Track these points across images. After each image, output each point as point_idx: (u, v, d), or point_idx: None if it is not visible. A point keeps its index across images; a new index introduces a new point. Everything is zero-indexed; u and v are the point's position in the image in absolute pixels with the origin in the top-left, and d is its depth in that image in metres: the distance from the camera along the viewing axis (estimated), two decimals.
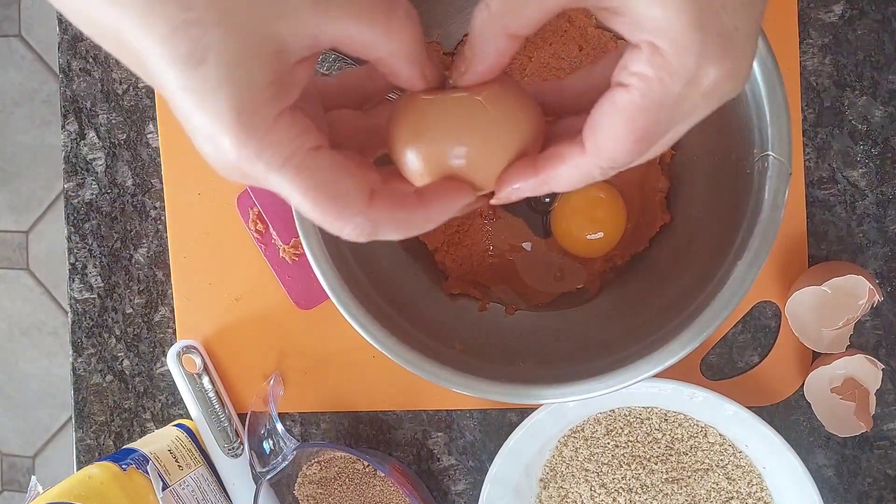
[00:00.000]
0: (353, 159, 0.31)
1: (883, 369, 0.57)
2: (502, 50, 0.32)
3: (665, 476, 0.58)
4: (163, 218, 0.63)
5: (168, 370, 0.62)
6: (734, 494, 0.58)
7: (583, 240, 0.56)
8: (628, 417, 0.59)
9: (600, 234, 0.55)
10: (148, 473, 0.55)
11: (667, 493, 0.58)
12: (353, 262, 0.51)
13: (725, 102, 0.34)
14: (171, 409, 0.64)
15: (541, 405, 0.57)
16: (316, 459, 0.60)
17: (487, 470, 0.58)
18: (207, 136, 0.28)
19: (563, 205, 0.56)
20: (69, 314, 0.64)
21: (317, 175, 0.29)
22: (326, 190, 0.29)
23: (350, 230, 0.31)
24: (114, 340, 0.64)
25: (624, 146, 0.30)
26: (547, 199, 0.57)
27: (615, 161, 0.31)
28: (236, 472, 0.62)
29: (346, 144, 0.34)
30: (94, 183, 0.63)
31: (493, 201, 0.39)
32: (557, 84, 0.37)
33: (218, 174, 0.31)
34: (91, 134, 0.63)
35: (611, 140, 0.30)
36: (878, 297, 0.55)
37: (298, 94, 0.30)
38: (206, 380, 0.61)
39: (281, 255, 0.61)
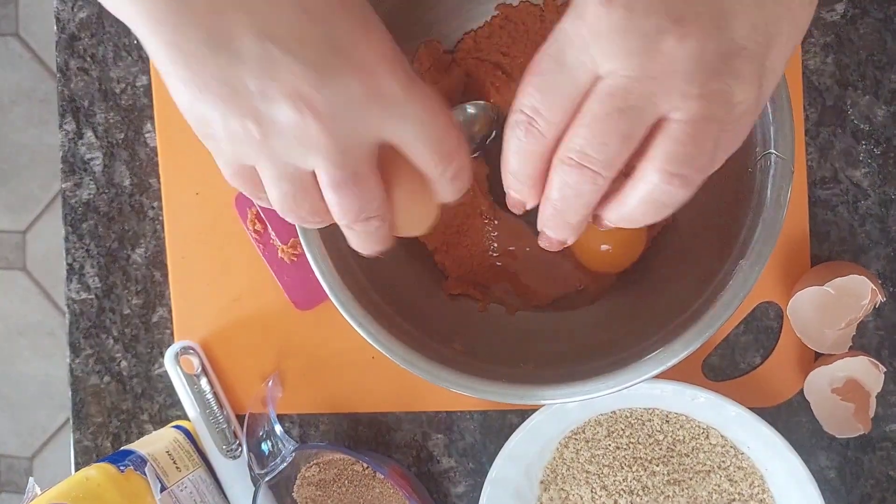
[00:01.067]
0: None
1: (885, 372, 0.57)
2: None
3: (666, 478, 0.58)
4: (160, 218, 0.62)
5: (166, 371, 0.62)
6: (736, 496, 0.58)
7: (597, 252, 0.55)
8: (629, 419, 0.59)
9: (610, 248, 0.55)
10: (146, 475, 0.55)
11: (668, 495, 0.58)
12: (353, 262, 0.51)
13: None
14: (168, 411, 0.63)
15: (541, 406, 0.56)
16: (315, 461, 0.60)
17: (487, 472, 0.58)
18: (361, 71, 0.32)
19: None
20: (66, 315, 0.64)
21: (438, 102, 0.34)
22: (447, 114, 0.34)
23: (461, 159, 0.36)
24: (111, 341, 0.64)
25: None
26: None
27: None
28: (235, 473, 0.61)
29: None
30: (91, 183, 0.63)
31: None
32: None
33: (222, 176, 0.34)
34: (89, 133, 0.63)
35: None
36: (880, 298, 0.54)
37: None
38: (204, 381, 0.61)
39: (279, 255, 0.60)
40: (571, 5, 0.33)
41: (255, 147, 0.32)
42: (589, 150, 0.33)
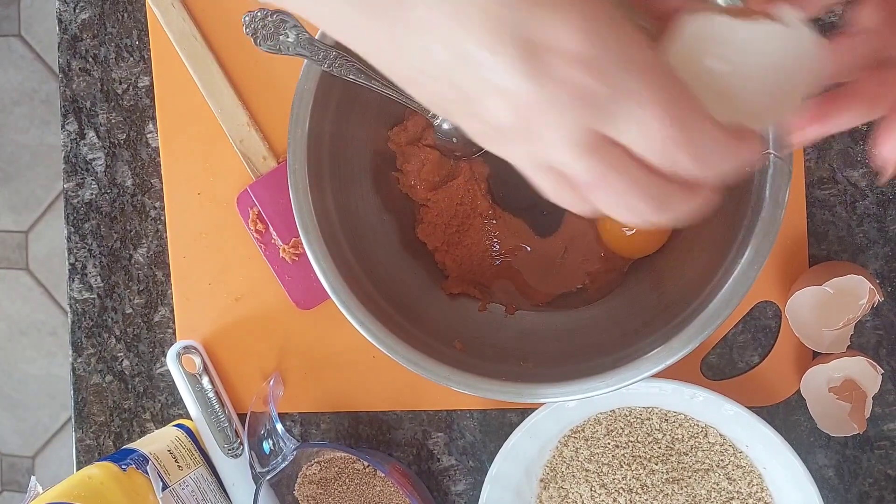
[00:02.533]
0: None
1: (882, 373, 0.57)
2: None
3: (665, 476, 0.58)
4: (162, 218, 0.63)
5: (168, 370, 0.62)
6: (734, 495, 0.58)
7: (621, 236, 0.55)
8: (629, 417, 0.59)
9: (634, 231, 0.55)
10: (147, 474, 0.55)
11: (667, 494, 0.58)
12: (354, 262, 0.51)
13: None
14: (170, 410, 0.64)
15: (541, 405, 0.57)
16: (316, 460, 0.60)
17: (487, 470, 0.58)
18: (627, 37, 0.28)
19: None
20: (69, 314, 0.64)
21: (678, 84, 0.29)
22: (688, 99, 0.29)
23: (694, 149, 0.29)
24: (113, 340, 0.64)
25: None
26: None
27: None
28: (236, 472, 0.62)
29: None
30: (93, 183, 0.63)
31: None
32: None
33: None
34: (91, 134, 0.63)
35: None
36: (878, 298, 0.55)
37: None
38: (205, 380, 0.61)
39: (281, 254, 0.61)
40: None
41: None
42: None
